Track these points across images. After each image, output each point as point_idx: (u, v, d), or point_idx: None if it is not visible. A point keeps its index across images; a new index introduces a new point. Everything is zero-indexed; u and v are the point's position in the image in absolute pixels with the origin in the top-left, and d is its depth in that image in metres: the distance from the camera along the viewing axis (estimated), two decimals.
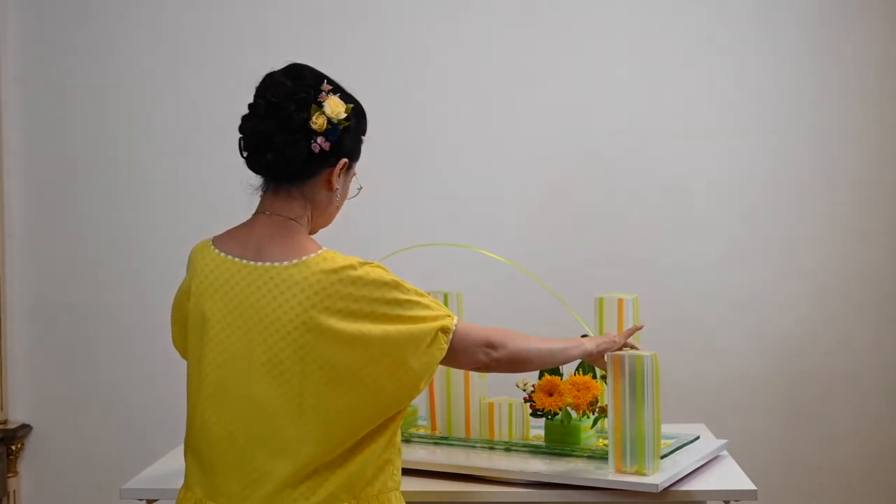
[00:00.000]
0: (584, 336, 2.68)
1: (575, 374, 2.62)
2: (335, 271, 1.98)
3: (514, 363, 2.19)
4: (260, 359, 1.97)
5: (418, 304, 2.04)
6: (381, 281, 2.00)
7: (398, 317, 2.01)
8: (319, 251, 2.02)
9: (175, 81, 3.72)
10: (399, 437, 2.11)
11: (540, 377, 2.64)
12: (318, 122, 2.00)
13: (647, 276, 3.63)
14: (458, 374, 2.74)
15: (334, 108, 2.02)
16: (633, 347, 2.47)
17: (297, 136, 2.00)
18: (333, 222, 2.16)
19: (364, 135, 2.13)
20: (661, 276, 3.66)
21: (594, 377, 2.61)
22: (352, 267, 1.99)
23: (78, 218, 3.74)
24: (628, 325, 2.69)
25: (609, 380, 2.40)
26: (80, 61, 3.72)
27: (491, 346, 2.13)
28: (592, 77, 3.67)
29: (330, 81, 2.06)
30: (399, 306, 2.01)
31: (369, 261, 2.03)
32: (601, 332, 2.72)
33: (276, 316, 1.97)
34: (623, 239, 3.67)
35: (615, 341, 2.43)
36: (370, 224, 3.53)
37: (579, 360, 2.64)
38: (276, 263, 2.00)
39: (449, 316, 2.08)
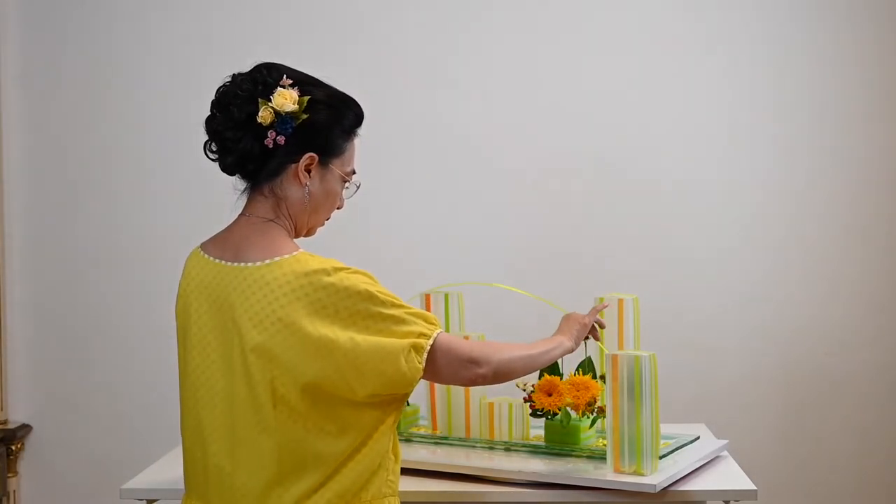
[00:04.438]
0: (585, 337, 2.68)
1: (574, 374, 2.62)
2: (306, 274, 1.91)
3: (498, 377, 2.10)
4: (236, 359, 1.94)
5: (392, 317, 1.94)
6: (354, 289, 1.92)
7: (367, 328, 1.92)
8: (294, 252, 1.96)
9: (176, 81, 3.72)
10: (394, 442, 2.05)
11: (539, 377, 2.64)
12: (263, 115, 1.95)
13: (646, 276, 3.63)
14: None
15: (280, 100, 1.95)
16: (601, 325, 2.47)
17: (242, 133, 1.97)
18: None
19: (347, 130, 2.03)
20: (661, 276, 3.65)
21: (594, 377, 2.61)
22: (325, 272, 1.92)
23: (78, 218, 3.74)
24: (629, 325, 2.69)
25: (607, 380, 2.40)
26: (81, 61, 3.72)
27: (475, 362, 2.04)
28: (593, 77, 3.67)
29: (295, 76, 1.99)
30: (370, 318, 1.93)
31: (348, 266, 1.95)
32: (602, 333, 2.72)
33: (249, 316, 1.92)
34: (623, 239, 3.67)
35: (585, 324, 2.39)
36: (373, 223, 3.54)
37: (580, 361, 2.65)
38: (250, 264, 1.96)
39: (424, 335, 1.97)
